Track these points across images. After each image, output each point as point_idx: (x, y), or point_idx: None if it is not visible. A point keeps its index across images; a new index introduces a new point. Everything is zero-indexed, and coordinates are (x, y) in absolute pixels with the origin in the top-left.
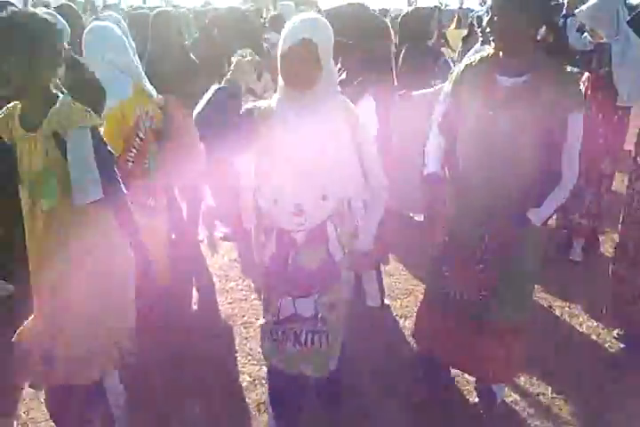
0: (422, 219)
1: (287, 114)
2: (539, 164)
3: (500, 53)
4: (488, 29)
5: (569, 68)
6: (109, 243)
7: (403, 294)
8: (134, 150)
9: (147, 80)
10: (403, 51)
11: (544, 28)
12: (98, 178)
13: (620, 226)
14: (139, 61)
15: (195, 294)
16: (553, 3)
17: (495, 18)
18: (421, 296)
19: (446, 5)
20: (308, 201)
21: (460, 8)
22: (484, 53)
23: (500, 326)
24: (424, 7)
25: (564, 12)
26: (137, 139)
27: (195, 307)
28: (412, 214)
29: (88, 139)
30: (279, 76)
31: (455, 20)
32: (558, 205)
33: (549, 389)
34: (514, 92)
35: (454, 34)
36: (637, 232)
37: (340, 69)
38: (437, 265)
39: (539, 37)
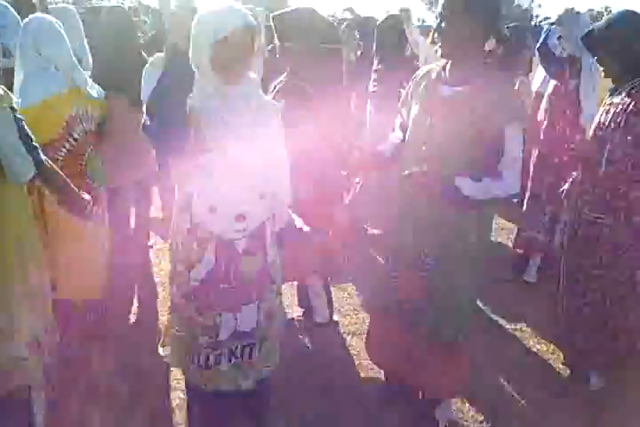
0: (377, 232)
1: (221, 111)
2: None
3: (446, 63)
4: (436, 37)
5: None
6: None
7: (352, 311)
8: (64, 150)
9: (89, 79)
10: (377, 61)
11: (493, 39)
12: (28, 156)
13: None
14: (89, 59)
15: (135, 302)
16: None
17: (442, 26)
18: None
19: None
20: (249, 203)
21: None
22: (440, 63)
23: (435, 340)
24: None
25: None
26: (70, 139)
27: (133, 316)
28: (366, 226)
29: (10, 118)
30: (204, 69)
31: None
32: (488, 197)
33: (493, 416)
34: (451, 102)
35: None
36: (576, 260)
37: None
38: (386, 272)
39: (487, 48)
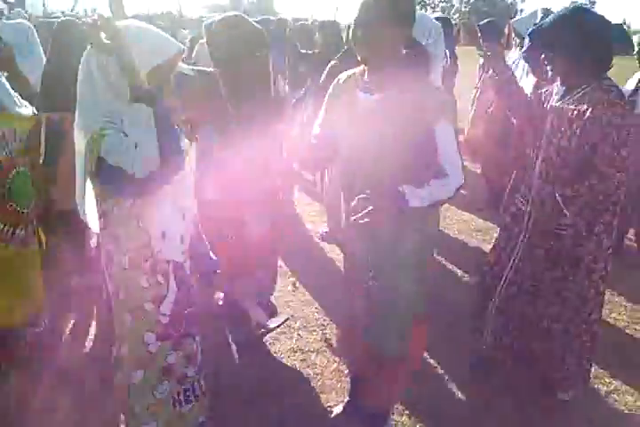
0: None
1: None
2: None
3: (365, 68)
4: (352, 43)
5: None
6: None
7: (319, 326)
8: None
9: (16, 97)
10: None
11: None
12: None
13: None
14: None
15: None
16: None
17: (359, 32)
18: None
19: None
20: (180, 224)
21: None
22: (352, 71)
23: (378, 354)
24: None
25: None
26: None
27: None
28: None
29: None
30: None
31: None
32: (435, 200)
33: None
34: (374, 109)
35: None
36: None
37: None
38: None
39: (403, 52)
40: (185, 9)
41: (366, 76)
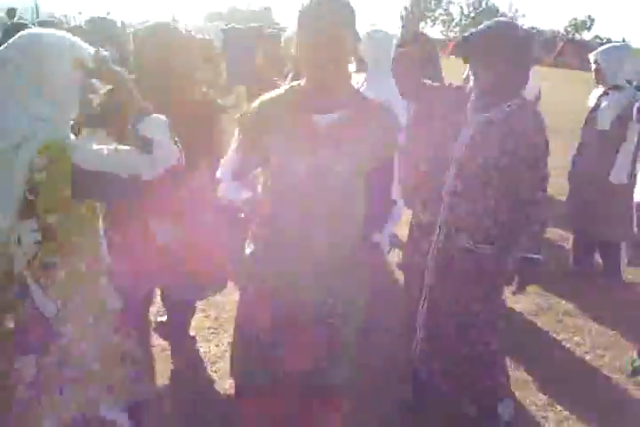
0: None
1: None
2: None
3: (311, 89)
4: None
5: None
6: None
7: (211, 334)
8: None
9: None
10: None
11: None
12: None
13: None
14: None
15: None
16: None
17: (309, 51)
18: None
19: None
20: None
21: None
22: (282, 91)
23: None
24: None
25: None
26: None
27: None
28: None
29: None
30: None
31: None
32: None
33: None
34: (332, 131)
35: None
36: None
37: None
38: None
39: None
40: (184, 18)
41: (314, 97)
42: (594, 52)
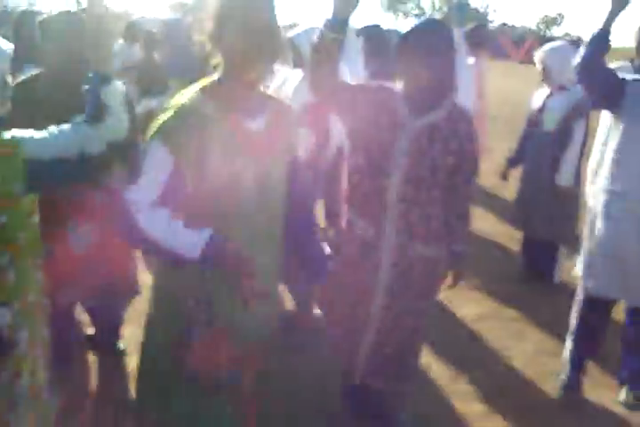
0: None
1: None
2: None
3: (238, 88)
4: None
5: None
6: None
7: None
8: None
9: None
10: None
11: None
12: None
13: None
14: None
15: None
16: None
17: (245, 44)
18: None
19: None
20: None
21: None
22: (199, 93)
23: None
24: None
25: None
26: None
27: None
28: None
29: None
30: None
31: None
32: None
33: None
34: (263, 136)
35: None
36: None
37: None
38: None
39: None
40: (149, 9)
41: (242, 98)
42: (539, 51)
